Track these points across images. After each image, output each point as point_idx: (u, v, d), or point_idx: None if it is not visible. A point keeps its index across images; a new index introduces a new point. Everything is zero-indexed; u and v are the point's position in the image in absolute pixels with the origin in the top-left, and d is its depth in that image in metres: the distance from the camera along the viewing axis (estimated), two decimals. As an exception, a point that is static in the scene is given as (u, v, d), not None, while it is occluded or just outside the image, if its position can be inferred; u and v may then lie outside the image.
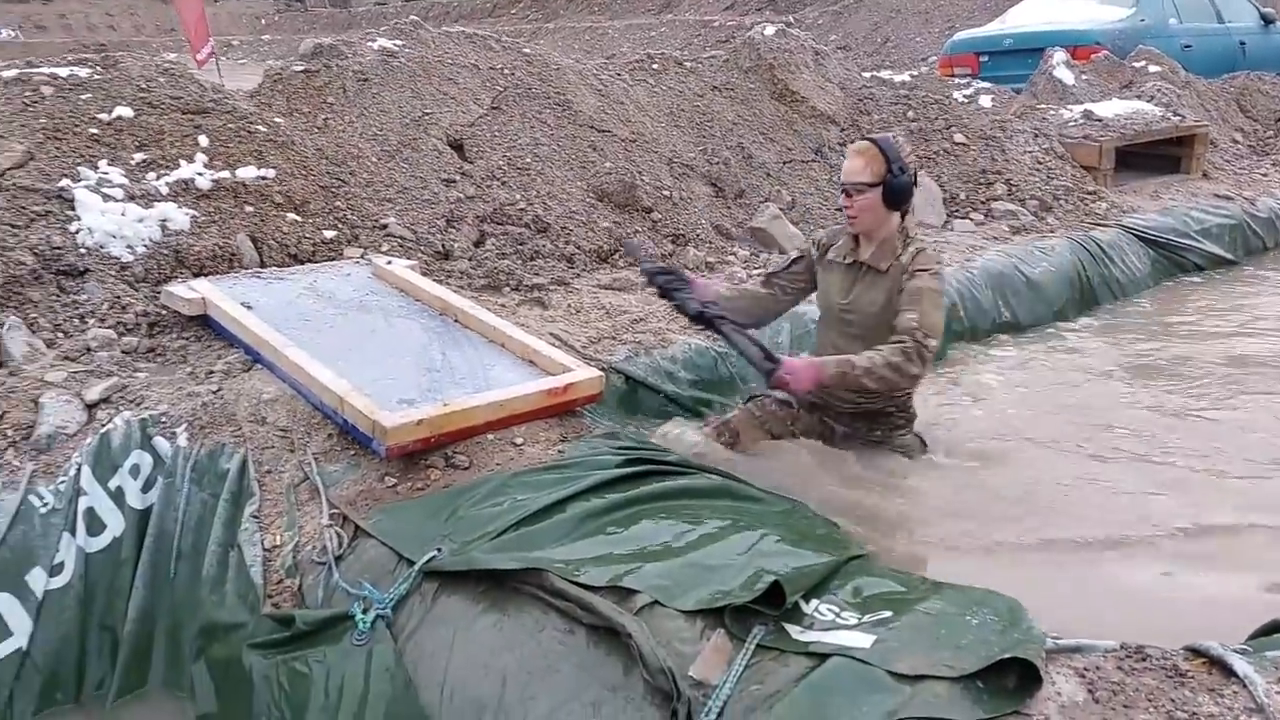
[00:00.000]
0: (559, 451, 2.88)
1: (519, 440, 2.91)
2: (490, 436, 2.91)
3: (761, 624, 1.93)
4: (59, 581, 2.58)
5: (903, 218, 3.13)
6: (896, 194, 3.02)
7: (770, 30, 6.26)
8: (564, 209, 4.71)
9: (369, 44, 5.03)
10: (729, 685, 1.80)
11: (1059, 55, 8.34)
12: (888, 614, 1.96)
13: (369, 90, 4.76)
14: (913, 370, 2.92)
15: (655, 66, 5.86)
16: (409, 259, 4.14)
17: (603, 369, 3.33)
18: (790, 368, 2.84)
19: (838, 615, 1.97)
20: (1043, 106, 7.38)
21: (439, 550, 2.35)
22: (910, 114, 6.36)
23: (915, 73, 9.83)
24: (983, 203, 5.99)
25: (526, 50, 5.33)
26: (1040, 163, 6.36)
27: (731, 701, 1.77)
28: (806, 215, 5.41)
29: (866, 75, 7.19)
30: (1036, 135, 6.58)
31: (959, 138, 6.27)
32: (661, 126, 5.46)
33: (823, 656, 1.82)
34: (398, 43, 5.06)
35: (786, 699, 1.74)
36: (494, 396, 2.93)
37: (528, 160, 4.83)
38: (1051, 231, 5.71)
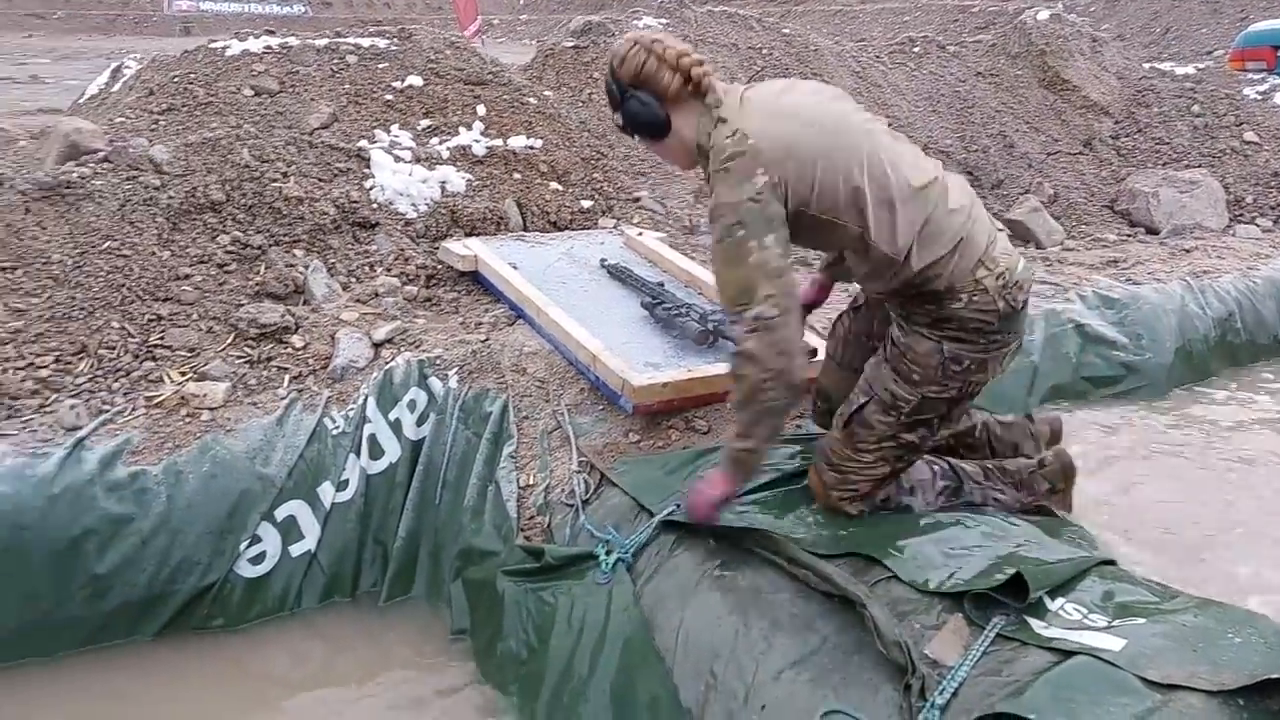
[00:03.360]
0: (797, 425, 2.93)
1: (759, 410, 2.97)
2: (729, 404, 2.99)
3: (1003, 614, 1.91)
4: (344, 496, 2.91)
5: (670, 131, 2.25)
6: (640, 123, 2.24)
7: (1044, 15, 5.95)
8: (812, 190, 4.72)
9: (635, 22, 5.22)
10: (965, 668, 1.80)
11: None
12: (1140, 621, 1.89)
13: (633, 67, 4.95)
14: (762, 366, 2.08)
15: (916, 50, 5.72)
16: (658, 231, 4.30)
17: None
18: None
19: (1085, 616, 1.92)
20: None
21: (678, 505, 2.47)
22: (1195, 109, 5.88)
23: (1200, 66, 9.04)
24: (1272, 208, 5.46)
25: (786, 31, 5.36)
26: (1346, 167, 5.72)
27: (966, 685, 1.77)
28: (1070, 210, 5.13)
29: (1145, 66, 6.70)
30: (1344, 136, 5.92)
31: (1250, 136, 5.74)
32: (919, 111, 5.34)
33: (1066, 654, 1.78)
34: (662, 21, 5.22)
35: (1026, 691, 1.72)
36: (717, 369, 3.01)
37: (780, 140, 4.87)
38: (1354, 244, 5.14)
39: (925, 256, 2.15)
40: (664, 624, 2.23)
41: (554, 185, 4.43)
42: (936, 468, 2.53)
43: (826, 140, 2.12)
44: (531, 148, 4.47)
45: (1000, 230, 2.37)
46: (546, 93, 4.73)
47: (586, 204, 4.44)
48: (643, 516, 2.53)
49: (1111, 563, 2.23)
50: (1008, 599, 1.93)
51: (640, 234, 4.12)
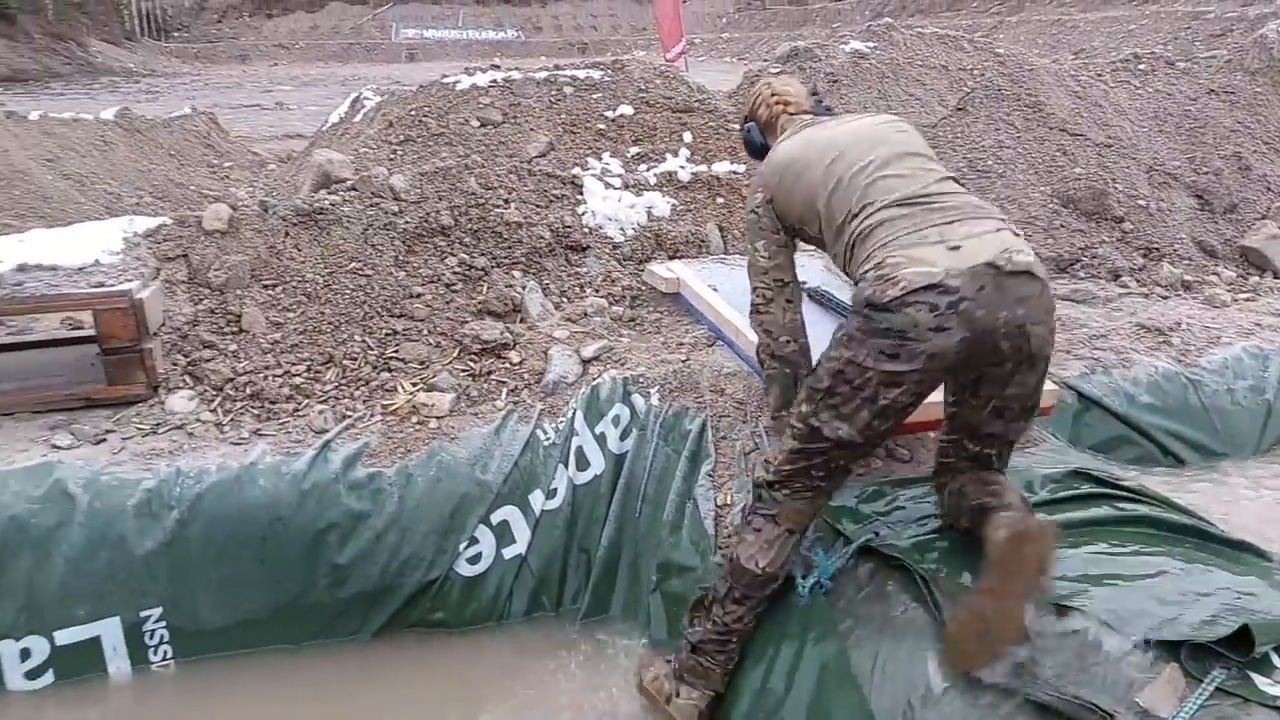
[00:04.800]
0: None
1: (963, 442, 2.93)
2: (933, 435, 2.97)
3: (1223, 667, 1.83)
4: (553, 504, 3.10)
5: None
6: (747, 146, 2.96)
7: (1290, 25, 5.52)
8: (1024, 214, 4.58)
9: (841, 46, 5.23)
10: (1181, 721, 1.73)
11: None
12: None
13: (837, 90, 4.97)
14: (758, 341, 2.88)
15: (1142, 67, 5.43)
16: (860, 255, 4.29)
17: (1055, 384, 3.24)
18: None
19: (1319, 678, 1.80)
20: None
21: (876, 534, 2.48)
22: None
23: None
24: None
25: (999, 50, 5.22)
26: None
27: (1182, 739, 1.71)
28: (1315, 237, 4.73)
29: None
30: None
31: None
32: (1143, 131, 5.07)
33: (1296, 717, 1.69)
34: (869, 44, 5.21)
35: (1249, 751, 1.64)
36: (940, 397, 2.98)
37: (989, 163, 4.76)
38: None
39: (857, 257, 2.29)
40: (861, 650, 2.26)
41: (756, 209, 4.50)
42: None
43: (813, 169, 2.47)
44: (735, 172, 4.57)
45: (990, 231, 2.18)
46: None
47: (788, 228, 4.48)
48: (840, 542, 2.55)
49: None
50: (1228, 652, 1.84)
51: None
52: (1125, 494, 2.60)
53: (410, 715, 2.73)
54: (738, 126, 4.71)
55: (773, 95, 2.84)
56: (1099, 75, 5.31)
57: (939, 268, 2.09)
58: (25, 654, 2.72)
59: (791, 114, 2.78)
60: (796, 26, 32.21)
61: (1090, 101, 5.10)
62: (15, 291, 3.12)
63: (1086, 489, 2.62)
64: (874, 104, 4.96)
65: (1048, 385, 3.07)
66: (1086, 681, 1.85)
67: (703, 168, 4.56)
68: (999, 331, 2.11)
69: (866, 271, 2.20)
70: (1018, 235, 2.22)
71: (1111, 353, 3.57)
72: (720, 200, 4.47)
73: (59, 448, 2.95)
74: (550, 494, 3.10)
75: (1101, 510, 2.51)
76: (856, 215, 2.31)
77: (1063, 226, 4.56)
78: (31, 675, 2.73)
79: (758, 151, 2.87)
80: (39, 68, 28.03)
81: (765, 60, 4.95)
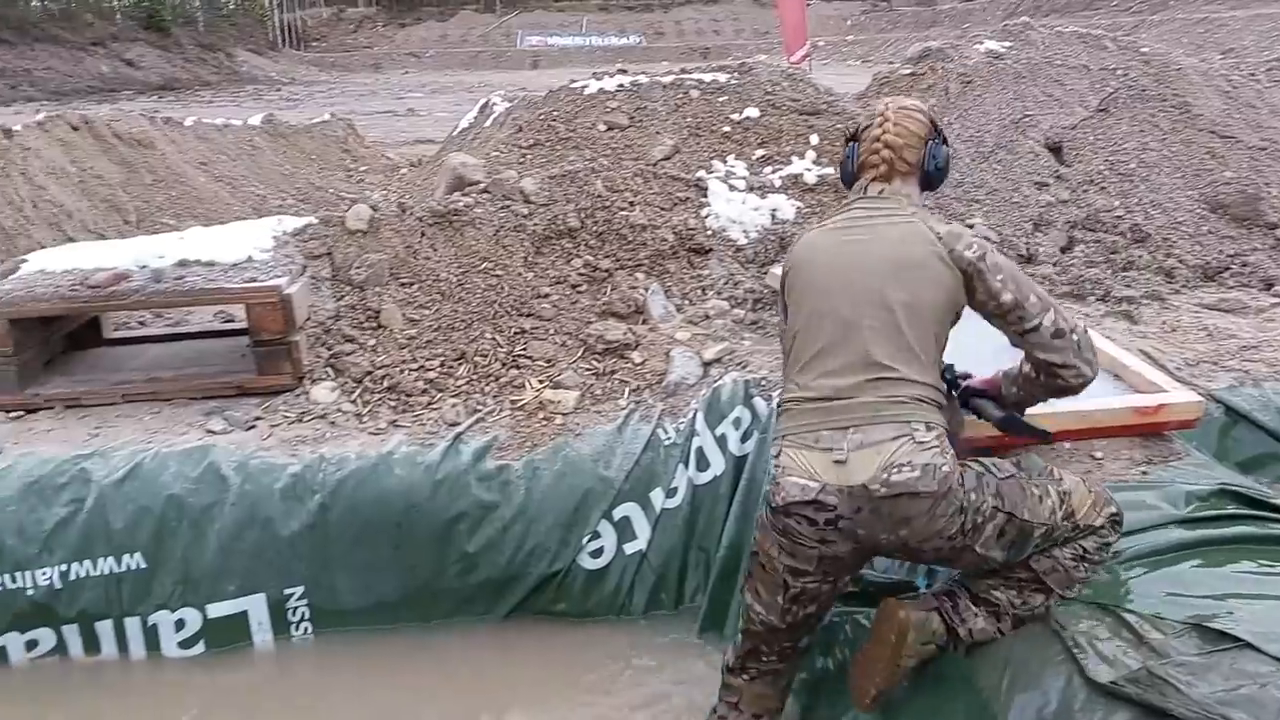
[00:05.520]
0: (1142, 473, 2.76)
1: (1098, 454, 2.84)
2: (1066, 445, 2.88)
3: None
4: (673, 503, 3.13)
5: None
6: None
7: None
8: (1168, 219, 4.38)
9: (975, 46, 5.11)
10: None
11: None
12: None
13: (971, 92, 4.86)
14: None
15: (1301, 64, 5.13)
16: (991, 260, 4.19)
17: (1200, 395, 3.09)
18: None
19: None
20: None
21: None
22: None
23: None
24: None
25: (1144, 50, 5.01)
26: None
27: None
28: None
29: None
30: None
31: None
32: (1301, 132, 4.78)
33: None
34: (1005, 44, 5.07)
35: None
36: (1077, 406, 2.88)
37: (1132, 166, 4.57)
38: None
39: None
40: (986, 660, 2.21)
41: (883, 213, 4.44)
42: None
43: (804, 298, 2.25)
44: (862, 176, 4.52)
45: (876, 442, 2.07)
46: (879, 121, 4.77)
47: (915, 232, 4.41)
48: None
49: None
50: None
51: (971, 263, 4.04)
52: (1275, 513, 2.47)
53: (527, 697, 2.81)
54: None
55: (880, 142, 2.28)
56: (1252, 74, 5.03)
57: (816, 483, 2.06)
58: (180, 624, 2.91)
59: (871, 178, 2.30)
60: (925, 28, 31.48)
61: (1243, 102, 4.84)
62: (176, 285, 3.34)
63: (1233, 509, 2.50)
64: (1009, 105, 4.83)
65: (1191, 396, 2.95)
66: (1234, 702, 1.77)
67: (829, 170, 4.53)
68: (885, 547, 2.11)
69: (773, 455, 2.21)
70: (920, 443, 2.06)
71: (1263, 365, 3.39)
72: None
73: (213, 432, 3.14)
74: (670, 493, 3.14)
75: (1249, 528, 2.39)
76: (785, 382, 2.28)
77: (1211, 233, 4.35)
78: (185, 644, 2.92)
79: (845, 180, 2.43)
80: (190, 76, 29.78)
81: (892, 62, 4.87)
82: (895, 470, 2.02)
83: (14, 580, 2.84)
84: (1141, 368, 3.13)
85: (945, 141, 2.37)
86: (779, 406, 2.27)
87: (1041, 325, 2.16)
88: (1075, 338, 2.18)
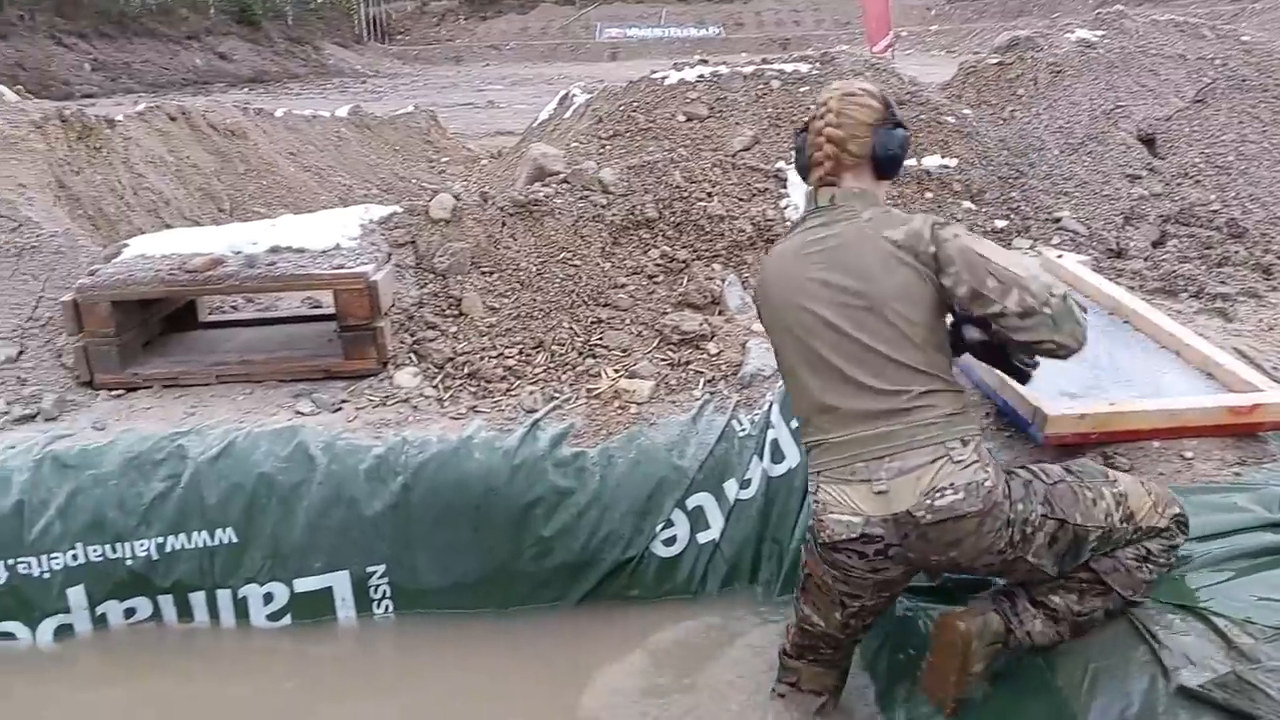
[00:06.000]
0: (1234, 474, 2.68)
1: (1188, 454, 2.76)
2: (1155, 444, 2.81)
3: None
4: (746, 494, 3.13)
5: None
6: None
7: None
8: (1267, 214, 4.22)
9: (1066, 35, 4.98)
10: None
11: None
12: None
13: (1061, 82, 4.74)
14: None
15: None
16: (1079, 254, 4.09)
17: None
18: None
19: None
20: None
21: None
22: None
23: None
24: None
25: (1245, 38, 4.83)
26: None
27: None
28: None
29: None
30: None
31: None
32: None
33: None
34: (1098, 33, 4.93)
35: None
36: (1168, 404, 2.81)
37: (1230, 158, 4.41)
38: None
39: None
40: (1066, 660, 2.17)
41: (967, 204, 4.37)
42: None
43: (775, 316, 2.27)
44: (945, 167, 4.45)
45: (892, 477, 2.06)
46: (965, 110, 4.68)
47: (1001, 224, 4.33)
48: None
49: None
50: None
51: (1059, 256, 3.95)
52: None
53: (602, 680, 2.84)
54: (950, 120, 4.59)
55: (822, 136, 2.19)
56: (1365, 62, 4.81)
57: (859, 517, 2.07)
58: (268, 598, 3.02)
59: (819, 178, 2.23)
60: (1012, 17, 30.66)
61: (1354, 91, 4.63)
62: (268, 271, 3.45)
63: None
64: (1100, 95, 4.70)
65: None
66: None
67: (912, 162, 4.46)
68: (936, 566, 2.14)
69: (811, 491, 2.22)
70: (959, 461, 2.03)
71: (1369, 365, 3.25)
72: (930, 195, 4.36)
73: (302, 414, 3.24)
74: (744, 484, 3.14)
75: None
76: (803, 425, 2.26)
77: (1315, 227, 4.17)
78: (272, 617, 3.03)
79: (802, 175, 2.35)
80: (279, 69, 30.62)
81: (978, 52, 4.76)
82: (939, 495, 2.01)
83: (114, 551, 2.98)
84: (1236, 366, 3.03)
85: (899, 124, 2.25)
86: (806, 446, 2.25)
87: (1006, 309, 2.04)
88: (1048, 311, 2.04)
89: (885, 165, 2.24)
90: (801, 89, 4.81)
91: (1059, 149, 4.54)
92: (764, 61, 5.22)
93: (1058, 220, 4.31)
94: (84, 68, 25.22)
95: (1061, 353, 2.10)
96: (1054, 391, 2.93)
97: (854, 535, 2.07)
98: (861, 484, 2.07)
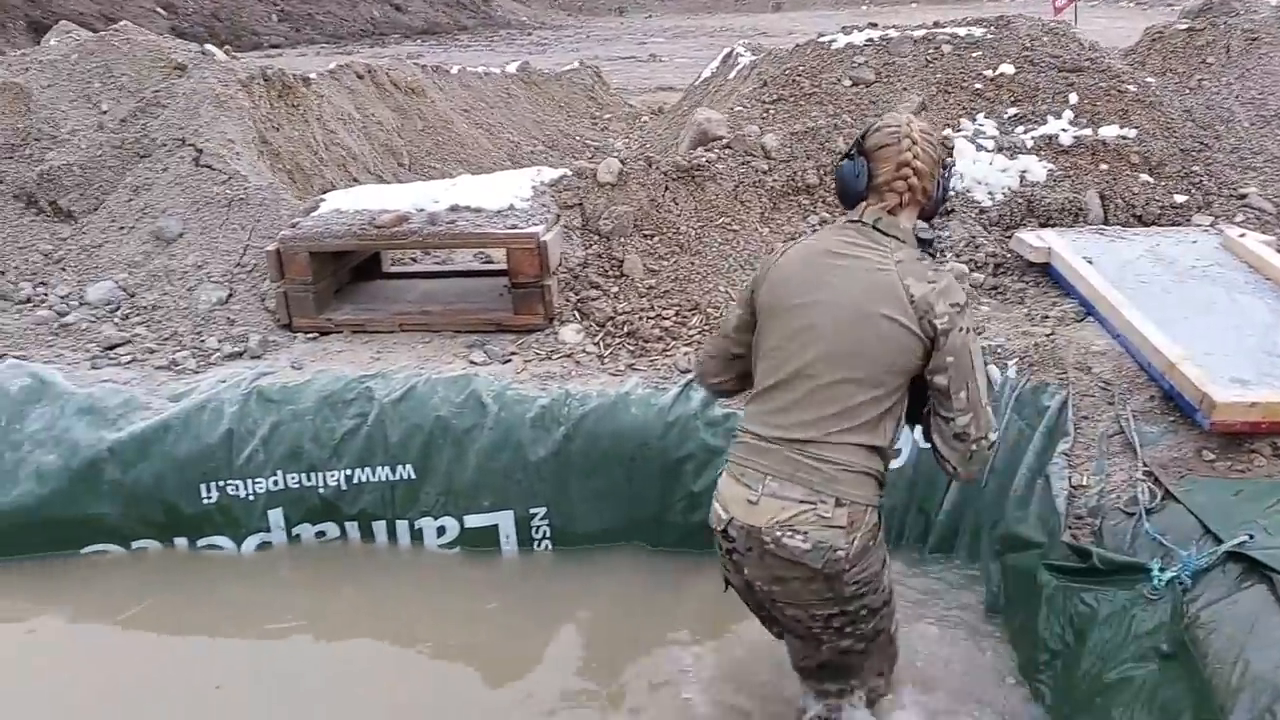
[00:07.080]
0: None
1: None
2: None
3: None
4: (896, 463, 3.16)
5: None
6: None
7: None
8: None
9: (1266, 0, 4.66)
10: None
11: None
12: None
13: (1256, 50, 4.46)
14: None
15: None
16: (1264, 234, 3.88)
17: None
18: None
19: None
20: None
21: (1251, 536, 2.32)
22: None
23: None
24: None
25: None
26: None
27: None
28: None
29: None
30: None
31: None
32: None
33: None
34: (1305, -5, 4.59)
35: None
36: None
37: None
38: None
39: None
40: (1219, 655, 2.16)
41: (1144, 178, 4.20)
42: None
43: (778, 319, 2.22)
44: (1124, 137, 4.28)
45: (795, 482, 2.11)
46: (1148, 79, 4.47)
47: (1180, 199, 4.14)
48: (1206, 541, 2.42)
49: None
50: None
51: (1242, 235, 3.77)
52: None
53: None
54: (1132, 88, 4.40)
55: (909, 168, 2.13)
56: None
57: (726, 516, 2.17)
58: (441, 530, 3.30)
59: (881, 205, 2.17)
60: (1212, -36, 28.27)
61: None
62: (448, 228, 3.69)
63: None
64: (1302, 64, 4.40)
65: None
66: None
67: (1087, 131, 4.31)
68: (763, 594, 2.20)
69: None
70: (823, 518, 2.07)
71: None
72: (1104, 167, 4.21)
73: (475, 363, 3.49)
74: (895, 453, 3.18)
75: None
76: (746, 405, 2.32)
77: None
78: (444, 547, 3.31)
79: (847, 199, 2.26)
80: (450, 21, 31.45)
81: (1169, 10, 4.46)
82: (789, 533, 2.09)
83: (309, 479, 3.31)
84: None
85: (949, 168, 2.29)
86: (740, 428, 2.30)
87: (954, 421, 2.12)
88: (974, 448, 2.14)
89: (935, 207, 2.26)
90: (974, 54, 4.69)
91: (1250, 121, 4.28)
92: (935, 25, 5.11)
93: (1243, 197, 4.09)
94: (271, 18, 26.64)
95: (950, 473, 2.25)
96: (1224, 377, 2.85)
97: (719, 529, 2.21)
98: (743, 488, 2.17)
